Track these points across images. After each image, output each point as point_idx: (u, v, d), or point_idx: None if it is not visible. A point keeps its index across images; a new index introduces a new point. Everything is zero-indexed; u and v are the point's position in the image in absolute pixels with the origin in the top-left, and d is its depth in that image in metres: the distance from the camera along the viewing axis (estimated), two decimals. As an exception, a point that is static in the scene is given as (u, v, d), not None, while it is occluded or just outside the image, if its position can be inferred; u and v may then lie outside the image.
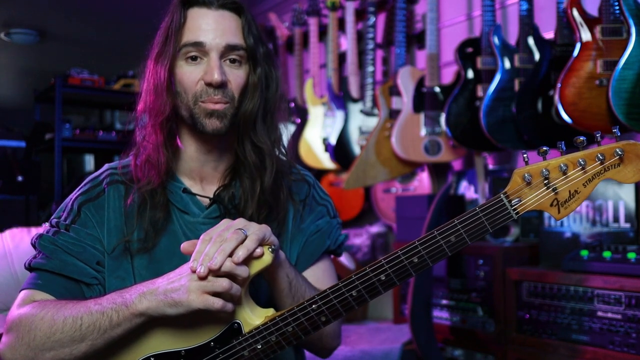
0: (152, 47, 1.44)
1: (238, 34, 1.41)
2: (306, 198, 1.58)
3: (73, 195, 1.46)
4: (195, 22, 1.39)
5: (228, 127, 1.41)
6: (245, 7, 1.43)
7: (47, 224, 1.46)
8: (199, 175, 1.49)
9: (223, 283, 1.18)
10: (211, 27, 1.38)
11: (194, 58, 1.39)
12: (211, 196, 1.47)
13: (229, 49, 1.39)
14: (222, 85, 1.37)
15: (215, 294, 1.18)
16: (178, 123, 1.46)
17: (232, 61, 1.41)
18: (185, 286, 1.18)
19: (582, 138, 1.15)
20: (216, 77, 1.36)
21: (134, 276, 1.41)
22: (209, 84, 1.37)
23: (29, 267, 1.40)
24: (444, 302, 2.68)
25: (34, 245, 1.41)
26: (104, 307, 1.23)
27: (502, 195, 1.20)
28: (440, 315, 2.68)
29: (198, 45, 1.37)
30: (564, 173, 1.18)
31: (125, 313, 1.22)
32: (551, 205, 1.19)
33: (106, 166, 1.52)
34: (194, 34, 1.38)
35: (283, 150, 1.53)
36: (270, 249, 1.27)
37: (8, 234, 2.27)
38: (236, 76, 1.41)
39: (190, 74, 1.39)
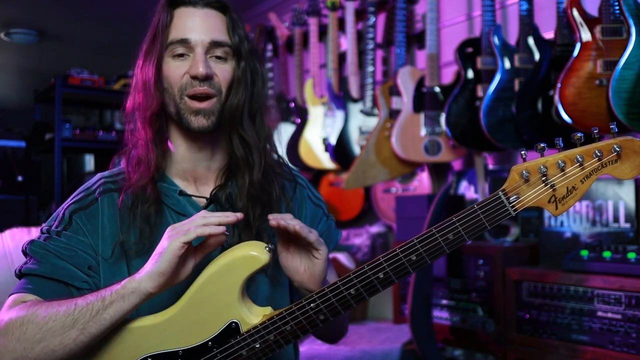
0: (141, 46, 1.46)
1: (223, 31, 1.44)
2: (294, 195, 1.59)
3: (65, 204, 1.46)
4: (181, 21, 1.42)
5: (215, 124, 1.42)
6: (230, 6, 1.47)
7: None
8: (193, 176, 1.49)
9: (195, 217, 1.24)
10: (197, 25, 1.41)
11: (180, 55, 1.41)
12: (207, 197, 1.48)
13: (214, 45, 1.41)
14: (207, 78, 1.39)
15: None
16: (168, 122, 1.47)
17: (218, 57, 1.43)
18: (164, 238, 1.24)
19: (579, 134, 1.15)
20: (201, 70, 1.38)
21: None
22: (194, 77, 1.39)
23: (20, 274, 1.38)
24: (444, 302, 2.67)
25: (24, 252, 1.40)
26: (99, 292, 1.24)
27: (500, 192, 1.20)
28: (440, 315, 2.68)
29: (184, 42, 1.40)
30: (562, 170, 1.18)
31: (118, 290, 1.23)
32: (549, 201, 1.19)
33: (99, 175, 1.52)
34: (180, 31, 1.41)
35: (274, 149, 1.55)
36: (267, 248, 1.27)
37: (8, 234, 2.26)
38: (222, 70, 1.43)
39: (176, 69, 1.41)
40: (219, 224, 1.24)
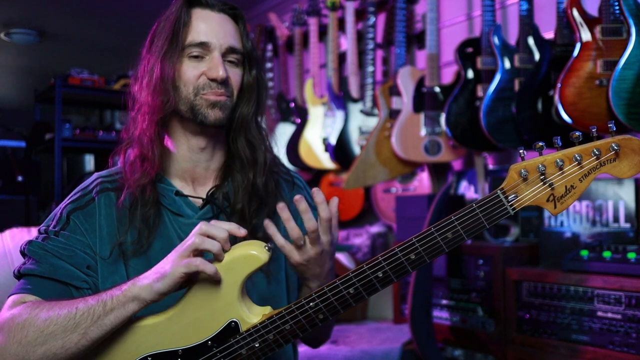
0: (151, 43, 1.46)
1: (237, 37, 1.47)
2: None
3: (62, 205, 1.46)
4: (199, 23, 1.44)
5: (228, 119, 1.45)
6: (243, 15, 1.50)
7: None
8: (191, 177, 1.50)
9: (194, 239, 1.23)
10: (214, 29, 1.44)
11: (196, 56, 1.43)
12: (203, 197, 1.48)
13: (230, 50, 1.45)
14: (225, 81, 1.42)
15: (195, 255, 1.23)
16: (170, 122, 1.47)
17: (230, 62, 1.46)
18: (168, 259, 1.24)
19: (577, 133, 1.15)
20: (221, 73, 1.40)
21: None
22: (213, 79, 1.41)
23: (19, 274, 1.38)
24: (444, 302, 2.67)
25: (22, 253, 1.41)
26: (100, 296, 1.25)
27: (498, 191, 1.21)
28: (440, 315, 2.68)
29: (203, 45, 1.42)
30: (560, 168, 1.18)
31: (119, 297, 1.23)
32: (547, 200, 1.19)
33: (95, 175, 1.52)
34: (198, 34, 1.43)
35: (271, 150, 1.58)
36: (266, 247, 1.27)
37: (8, 234, 2.26)
38: (234, 74, 1.46)
39: (193, 70, 1.42)
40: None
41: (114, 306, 1.22)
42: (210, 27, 1.43)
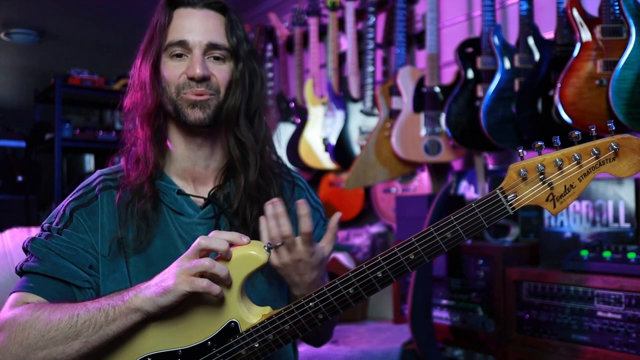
0: (139, 46, 1.48)
1: (221, 32, 1.45)
2: (292, 196, 1.59)
3: (65, 202, 1.47)
4: (180, 22, 1.43)
5: (212, 119, 1.43)
6: (229, 7, 1.48)
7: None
8: (191, 176, 1.50)
9: (205, 262, 1.20)
10: (195, 26, 1.43)
11: (178, 55, 1.43)
12: (205, 197, 1.48)
13: (211, 46, 1.43)
14: (204, 79, 1.41)
15: (201, 275, 1.21)
16: (167, 122, 1.48)
17: (216, 58, 1.44)
18: (172, 273, 1.21)
19: (577, 132, 1.15)
20: (198, 71, 1.39)
21: (129, 280, 1.41)
22: (191, 78, 1.41)
23: (21, 271, 1.39)
24: (444, 302, 2.67)
25: (25, 249, 1.41)
26: (101, 304, 1.24)
27: (497, 190, 1.20)
28: (440, 315, 2.68)
29: (182, 43, 1.42)
30: (560, 168, 1.18)
31: (121, 308, 1.22)
32: (547, 200, 1.19)
33: (98, 172, 1.53)
34: (178, 33, 1.42)
35: (274, 150, 1.56)
36: (265, 247, 1.27)
37: (8, 234, 2.26)
38: (220, 70, 1.44)
39: (174, 69, 1.43)
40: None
41: (115, 317, 1.22)
42: (190, 25, 1.42)
